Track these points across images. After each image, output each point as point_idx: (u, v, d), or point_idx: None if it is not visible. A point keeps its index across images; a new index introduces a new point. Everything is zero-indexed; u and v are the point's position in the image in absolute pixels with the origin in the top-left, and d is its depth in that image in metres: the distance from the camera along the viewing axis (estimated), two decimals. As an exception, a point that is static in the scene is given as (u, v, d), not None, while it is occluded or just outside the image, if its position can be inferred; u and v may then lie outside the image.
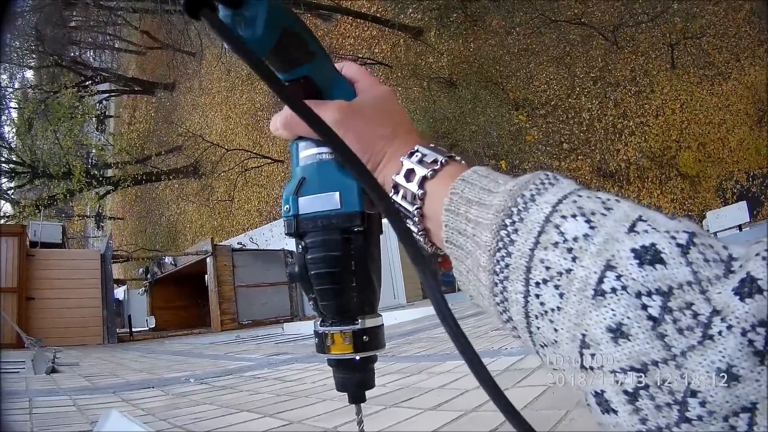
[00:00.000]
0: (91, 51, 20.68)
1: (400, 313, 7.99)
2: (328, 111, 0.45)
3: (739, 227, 9.53)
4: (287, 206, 0.48)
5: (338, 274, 0.47)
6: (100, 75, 20.15)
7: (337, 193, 0.46)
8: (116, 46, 20.80)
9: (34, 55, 18.69)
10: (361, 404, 0.52)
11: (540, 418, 1.51)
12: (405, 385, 2.30)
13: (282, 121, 0.48)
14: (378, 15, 13.86)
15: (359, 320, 0.48)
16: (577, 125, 12.39)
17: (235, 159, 15.23)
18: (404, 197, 0.43)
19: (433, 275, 0.39)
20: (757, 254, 0.27)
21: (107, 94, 21.25)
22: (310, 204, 0.47)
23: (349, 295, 0.48)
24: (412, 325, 5.89)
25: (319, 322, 0.49)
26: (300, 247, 0.48)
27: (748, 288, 0.25)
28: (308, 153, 0.49)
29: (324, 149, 0.48)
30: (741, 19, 11.83)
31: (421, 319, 6.47)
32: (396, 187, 0.44)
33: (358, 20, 14.35)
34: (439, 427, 1.55)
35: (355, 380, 0.50)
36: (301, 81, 0.47)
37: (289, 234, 0.48)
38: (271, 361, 4.06)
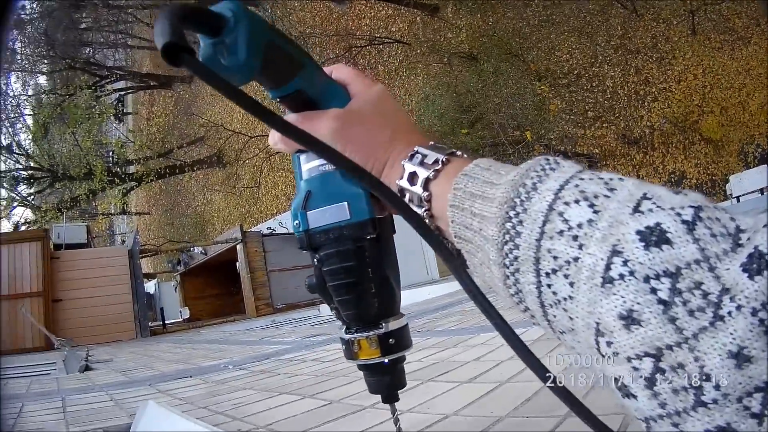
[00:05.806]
0: (104, 50, 20.75)
1: (433, 287, 7.95)
2: (324, 121, 0.45)
3: (761, 191, 9.50)
4: (297, 221, 0.47)
5: (356, 283, 0.47)
6: (115, 73, 20.24)
7: (346, 203, 0.46)
8: (128, 43, 20.87)
9: (45, 61, 18.71)
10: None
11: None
12: (440, 359, 2.25)
13: (280, 136, 0.47)
14: (393, -7, 13.83)
15: (383, 324, 0.48)
16: (601, 93, 12.38)
17: (259, 145, 15.21)
18: (411, 201, 0.42)
19: (451, 256, 0.39)
20: (765, 225, 0.26)
21: (123, 92, 21.33)
22: (319, 217, 0.46)
23: (370, 302, 0.47)
24: (446, 299, 5.80)
25: (344, 330, 0.49)
26: (315, 259, 0.47)
27: (756, 264, 0.25)
28: (311, 165, 0.48)
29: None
30: (759, -17, 11.72)
31: (455, 293, 6.29)
32: (401, 191, 0.43)
33: (372, 0, 14.33)
34: (474, 399, 1.53)
35: (385, 382, 0.50)
36: (294, 95, 0.45)
37: (302, 248, 0.48)
38: (308, 343, 3.95)
